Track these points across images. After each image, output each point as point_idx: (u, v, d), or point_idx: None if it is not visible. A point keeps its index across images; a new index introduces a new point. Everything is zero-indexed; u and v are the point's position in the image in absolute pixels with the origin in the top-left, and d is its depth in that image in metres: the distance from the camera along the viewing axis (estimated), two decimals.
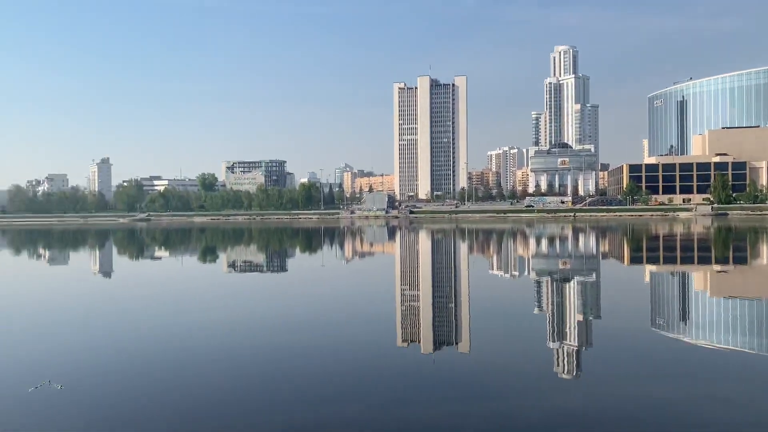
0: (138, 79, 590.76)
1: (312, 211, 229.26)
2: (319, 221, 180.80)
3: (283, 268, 42.96)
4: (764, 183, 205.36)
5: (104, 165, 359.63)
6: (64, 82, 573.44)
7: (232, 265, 44.86)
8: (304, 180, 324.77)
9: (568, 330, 18.26)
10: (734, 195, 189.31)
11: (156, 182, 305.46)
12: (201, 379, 12.87)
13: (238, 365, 14.01)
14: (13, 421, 9.93)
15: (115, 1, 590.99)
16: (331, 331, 17.96)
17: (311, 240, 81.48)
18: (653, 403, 11.13)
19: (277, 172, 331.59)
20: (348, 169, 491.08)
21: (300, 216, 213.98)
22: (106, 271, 43.34)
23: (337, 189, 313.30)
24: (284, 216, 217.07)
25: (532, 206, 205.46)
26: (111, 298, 27.23)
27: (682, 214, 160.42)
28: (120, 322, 20.30)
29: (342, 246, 69.10)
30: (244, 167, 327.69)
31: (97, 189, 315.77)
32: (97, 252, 65.44)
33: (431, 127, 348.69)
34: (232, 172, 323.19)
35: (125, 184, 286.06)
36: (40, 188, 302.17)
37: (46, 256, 59.23)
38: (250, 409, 10.84)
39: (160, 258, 55.50)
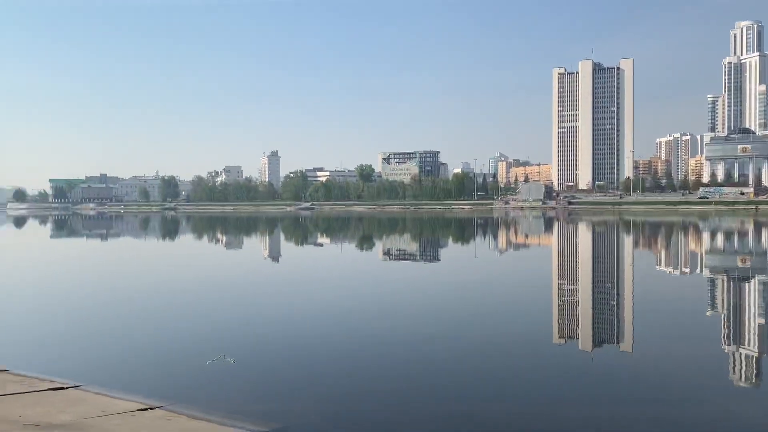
0: (307, 77, 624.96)
1: (465, 201, 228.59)
2: (472, 211, 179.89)
3: (435, 258, 43.37)
4: None
5: (273, 157, 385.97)
6: (234, 83, 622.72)
7: (387, 253, 46.13)
8: (458, 170, 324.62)
9: (746, 334, 16.53)
10: None
11: (318, 173, 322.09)
12: (351, 361, 13.40)
13: (390, 352, 14.39)
14: (191, 391, 11.03)
15: None
16: (483, 324, 17.84)
17: (464, 230, 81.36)
18: None
19: (430, 163, 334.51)
20: (503, 158, 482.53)
21: (453, 206, 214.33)
22: (275, 255, 46.58)
23: (491, 179, 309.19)
24: (437, 206, 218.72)
25: (707, 198, 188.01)
26: (281, 280, 29.23)
27: None
28: (288, 302, 21.74)
29: (495, 237, 68.23)
30: (399, 158, 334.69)
31: (267, 179, 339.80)
32: (267, 237, 70.62)
33: (593, 113, 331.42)
34: (388, 163, 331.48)
35: (291, 175, 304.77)
36: (219, 179, 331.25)
37: (224, 241, 65.02)
38: (405, 398, 11.10)
39: (322, 244, 58.61)
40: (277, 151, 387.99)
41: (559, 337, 16.19)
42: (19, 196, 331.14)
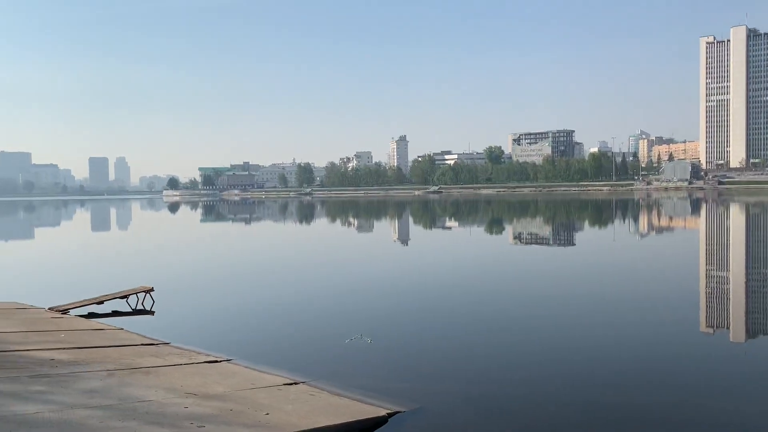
0: (432, 60, 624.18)
1: (602, 183, 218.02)
2: (610, 193, 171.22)
3: (569, 242, 41.89)
4: None
5: (402, 142, 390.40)
6: (364, 71, 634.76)
7: (518, 237, 45.24)
8: (594, 149, 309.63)
9: None
10: None
11: (446, 156, 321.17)
12: (488, 345, 13.36)
13: (528, 338, 14.19)
14: (331, 368, 11.59)
15: None
16: (625, 311, 17.04)
17: (601, 212, 77.75)
18: None
19: (564, 143, 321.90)
20: (643, 136, 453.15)
21: (589, 188, 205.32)
22: (404, 238, 47.34)
23: (630, 158, 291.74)
24: (572, 188, 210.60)
25: None
26: (413, 263, 29.73)
27: None
28: (421, 285, 22.10)
29: (636, 219, 64.52)
30: (530, 139, 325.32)
31: (395, 164, 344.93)
32: (397, 221, 71.89)
33: (747, 84, 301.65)
34: (518, 144, 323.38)
35: (419, 159, 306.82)
36: (350, 164, 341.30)
37: (355, 224, 67.10)
38: (548, 385, 10.94)
39: (450, 228, 58.68)
40: (405, 136, 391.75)
41: (707, 326, 15.10)
42: (173, 183, 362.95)
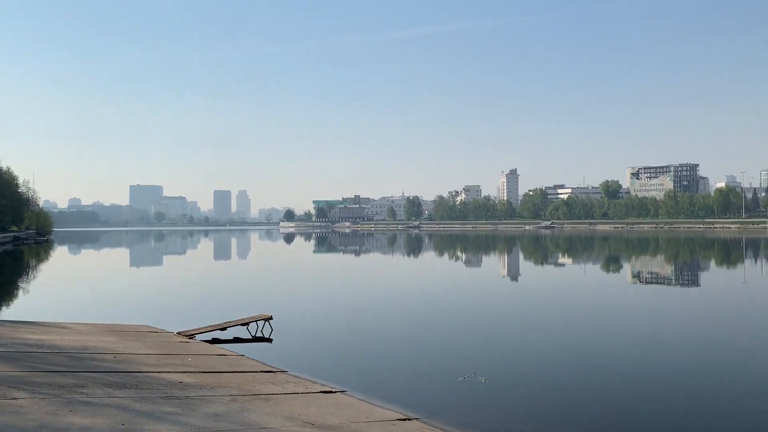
0: (542, 88, 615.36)
1: (731, 220, 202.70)
2: (740, 231, 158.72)
3: (694, 282, 39.18)
4: None
5: (512, 176, 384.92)
6: (473, 100, 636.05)
7: (637, 276, 42.90)
8: (721, 184, 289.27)
9: None
10: None
11: (559, 190, 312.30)
12: (608, 390, 12.72)
13: (642, 382, 13.37)
14: (445, 405, 11.48)
15: None
16: (748, 360, 15.63)
17: (729, 251, 72.19)
18: None
19: (687, 177, 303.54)
20: None
21: (715, 225, 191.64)
22: (513, 275, 46.30)
23: (763, 194, 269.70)
24: (696, 225, 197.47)
25: None
26: (526, 300, 29.02)
27: None
28: (535, 324, 21.50)
29: None
30: (650, 173, 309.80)
31: (505, 198, 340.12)
32: (506, 256, 70.55)
33: None
34: (637, 179, 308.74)
35: (530, 192, 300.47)
36: (458, 198, 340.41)
37: (464, 258, 66.56)
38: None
39: (563, 265, 56.72)
40: (515, 169, 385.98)
41: None
42: (289, 215, 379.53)
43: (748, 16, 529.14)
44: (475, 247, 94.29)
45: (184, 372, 12.58)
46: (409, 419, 10.18)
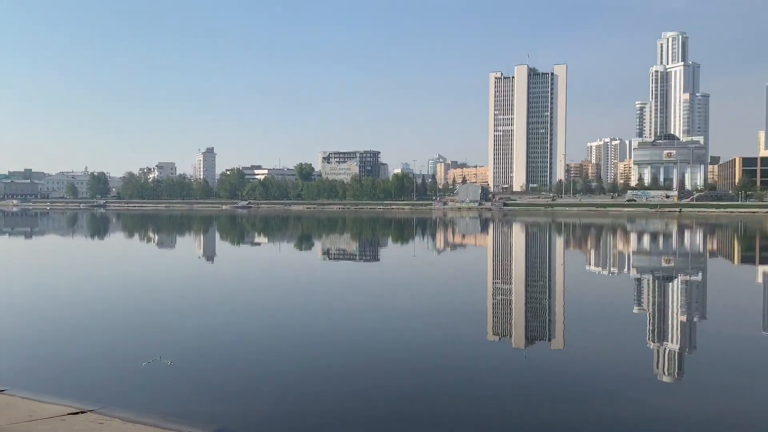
0: (241, 73, 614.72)
1: (405, 202, 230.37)
2: (412, 212, 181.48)
3: (375, 258, 43.57)
4: None
5: (209, 154, 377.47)
6: (168, 78, 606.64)
7: (327, 253, 46.01)
8: (398, 170, 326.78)
9: (669, 331, 17.41)
10: None
11: (256, 171, 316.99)
12: (292, 362, 13.34)
13: (326, 351, 14.41)
14: (126, 394, 10.74)
15: None
16: (420, 323, 18.08)
17: (403, 230, 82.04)
18: (761, 412, 10.45)
19: (371, 163, 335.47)
20: (441, 160, 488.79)
21: (393, 206, 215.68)
22: (210, 255, 45.62)
23: (429, 180, 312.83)
24: (377, 206, 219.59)
25: (635, 200, 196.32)
26: (215, 282, 28.71)
27: None
28: (222, 304, 21.39)
29: (434, 237, 69.12)
30: (339, 157, 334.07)
31: (202, 177, 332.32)
32: (202, 237, 69.09)
33: (528, 117, 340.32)
34: (328, 162, 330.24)
35: (228, 172, 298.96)
36: (151, 176, 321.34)
37: (156, 240, 63.20)
38: (343, 398, 11.14)
39: (259, 244, 57.84)
40: (212, 148, 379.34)
41: (494, 335, 16.60)
42: None
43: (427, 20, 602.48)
44: (169, 227, 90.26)
45: None
46: (82, 412, 9.24)
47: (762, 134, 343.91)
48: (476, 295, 24.47)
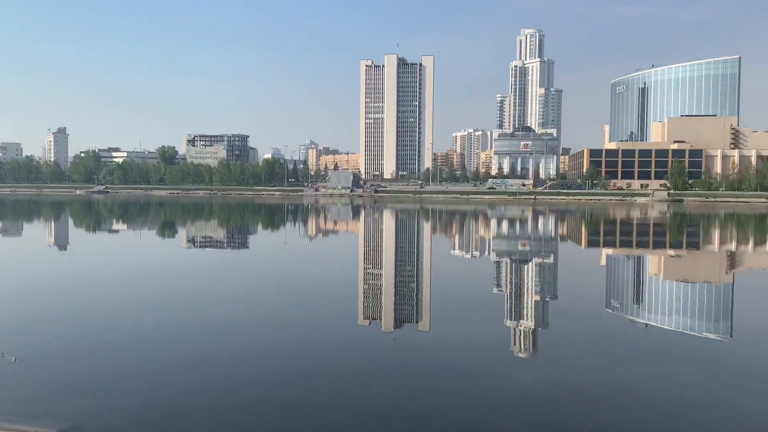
0: (95, 49, 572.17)
1: (275, 188, 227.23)
2: (283, 198, 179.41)
3: (244, 245, 42.56)
4: (718, 171, 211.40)
5: (60, 135, 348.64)
6: (16, 49, 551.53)
7: (192, 241, 44.23)
8: (268, 156, 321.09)
9: (525, 310, 18.60)
10: (690, 182, 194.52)
11: (114, 154, 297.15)
12: (155, 355, 12.72)
13: (195, 341, 13.89)
14: None
15: None
16: (291, 309, 17.93)
17: (274, 217, 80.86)
18: (606, 382, 11.46)
19: (239, 147, 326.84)
20: (313, 146, 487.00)
21: (263, 192, 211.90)
22: (61, 244, 42.24)
23: (301, 166, 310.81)
24: (246, 192, 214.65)
25: (495, 188, 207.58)
26: (65, 272, 26.61)
27: (640, 200, 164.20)
28: (73, 297, 19.88)
29: (305, 223, 68.79)
30: (205, 141, 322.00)
31: (53, 159, 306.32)
32: (52, 224, 63.69)
33: (398, 106, 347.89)
34: (193, 146, 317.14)
35: (82, 155, 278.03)
36: None
37: None
38: (208, 386, 10.78)
39: (117, 231, 54.39)
40: (65, 128, 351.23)
41: (364, 319, 16.83)
42: None
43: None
44: (13, 213, 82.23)
45: None
46: None
47: (607, 128, 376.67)
48: (347, 281, 24.66)
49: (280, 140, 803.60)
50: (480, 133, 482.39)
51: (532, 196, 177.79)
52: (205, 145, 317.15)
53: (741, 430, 9.22)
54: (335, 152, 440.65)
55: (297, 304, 18.78)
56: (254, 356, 12.72)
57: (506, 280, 25.58)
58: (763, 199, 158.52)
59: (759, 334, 15.96)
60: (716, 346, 14.57)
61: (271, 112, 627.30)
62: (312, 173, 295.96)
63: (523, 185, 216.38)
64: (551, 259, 34.12)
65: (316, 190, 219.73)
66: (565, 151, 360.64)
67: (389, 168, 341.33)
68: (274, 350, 13.21)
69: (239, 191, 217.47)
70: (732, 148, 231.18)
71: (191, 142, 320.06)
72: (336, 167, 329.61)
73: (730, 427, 9.33)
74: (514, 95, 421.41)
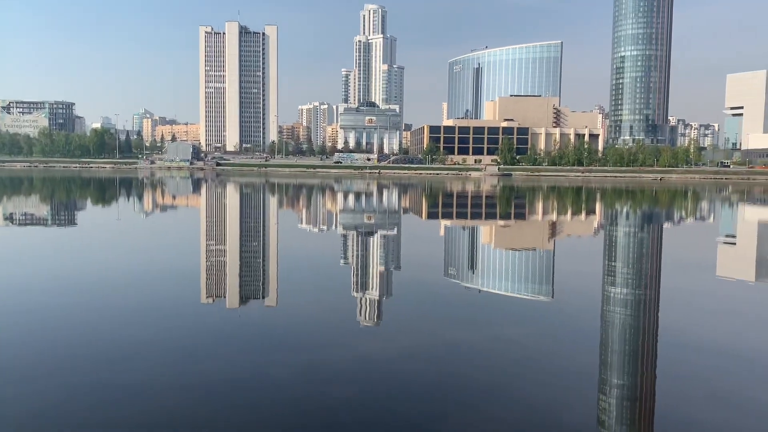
0: None
1: (106, 160, 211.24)
2: (114, 171, 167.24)
3: (71, 222, 39.18)
4: (542, 147, 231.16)
5: None
6: None
7: (9, 218, 39.85)
8: (97, 125, 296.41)
9: (370, 281, 19.14)
10: (518, 157, 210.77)
11: None
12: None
13: (24, 326, 12.63)
14: None
15: None
16: (128, 290, 16.88)
17: (105, 191, 75.22)
18: (441, 344, 12.18)
19: (63, 115, 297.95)
20: (148, 115, 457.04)
21: (91, 165, 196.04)
22: None
23: (135, 137, 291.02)
24: (73, 164, 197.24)
25: (341, 162, 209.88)
26: None
27: (474, 174, 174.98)
28: None
29: (140, 198, 64.77)
30: (23, 107, 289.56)
31: None
32: None
33: (240, 76, 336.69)
34: (8, 113, 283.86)
35: None
36: None
37: None
38: (44, 369, 9.88)
39: None
40: None
41: (207, 297, 16.32)
42: None
43: None
44: None
45: None
46: None
47: (445, 105, 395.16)
48: (189, 259, 23.68)
49: (111, 109, 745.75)
50: (326, 106, 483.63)
51: (377, 171, 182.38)
52: (23, 113, 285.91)
53: (562, 379, 10.28)
54: (173, 122, 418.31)
55: (132, 283, 17.70)
56: (83, 338, 11.82)
57: (352, 252, 26.09)
58: (578, 173, 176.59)
59: (576, 294, 17.83)
60: (540, 306, 16.10)
61: (101, 77, 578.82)
62: (147, 145, 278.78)
63: (368, 159, 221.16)
64: (395, 231, 35.32)
65: (152, 162, 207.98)
66: (407, 127, 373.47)
67: (232, 140, 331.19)
68: (107, 330, 12.38)
69: (64, 164, 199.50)
70: (554, 127, 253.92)
71: (6, 108, 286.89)
72: (174, 138, 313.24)
73: (556, 376, 10.37)
74: (359, 70, 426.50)
